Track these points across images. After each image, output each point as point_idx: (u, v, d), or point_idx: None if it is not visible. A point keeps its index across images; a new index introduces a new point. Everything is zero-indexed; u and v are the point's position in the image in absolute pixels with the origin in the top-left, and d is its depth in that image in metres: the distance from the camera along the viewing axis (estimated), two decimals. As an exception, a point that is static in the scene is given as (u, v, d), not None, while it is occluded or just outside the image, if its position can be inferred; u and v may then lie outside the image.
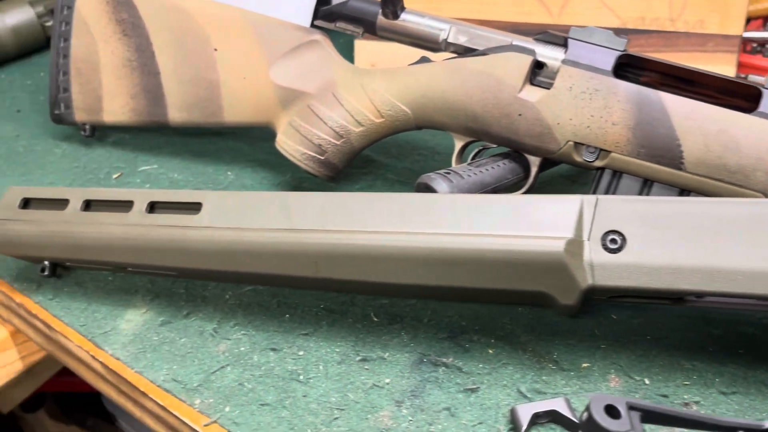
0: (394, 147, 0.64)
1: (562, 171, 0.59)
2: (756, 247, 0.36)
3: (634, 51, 0.48)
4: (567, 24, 0.66)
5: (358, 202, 0.42)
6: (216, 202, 0.44)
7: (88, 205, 0.47)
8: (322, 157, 0.54)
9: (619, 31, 0.65)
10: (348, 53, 0.72)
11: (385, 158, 0.63)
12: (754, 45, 0.70)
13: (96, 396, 1.00)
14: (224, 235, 0.43)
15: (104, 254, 0.46)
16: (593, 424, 0.30)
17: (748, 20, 0.75)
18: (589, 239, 0.38)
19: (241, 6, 0.58)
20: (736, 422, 0.31)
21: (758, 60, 0.68)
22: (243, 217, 0.43)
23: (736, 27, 0.63)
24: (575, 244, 0.38)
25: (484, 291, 0.40)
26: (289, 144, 0.55)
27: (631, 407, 0.30)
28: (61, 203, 0.47)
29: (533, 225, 0.38)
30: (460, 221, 0.39)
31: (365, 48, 0.72)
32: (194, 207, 0.45)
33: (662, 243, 0.37)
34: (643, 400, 0.33)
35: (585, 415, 0.31)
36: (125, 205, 0.46)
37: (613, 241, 0.38)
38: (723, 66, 0.64)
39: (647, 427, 0.32)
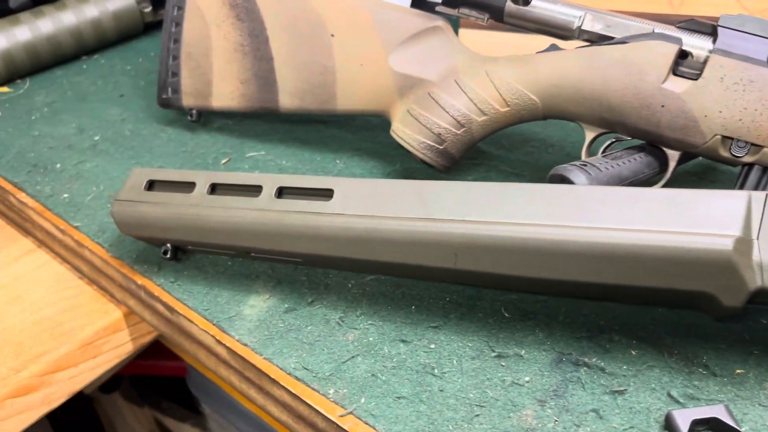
0: (504, 138, 0.62)
1: (689, 167, 0.56)
2: None
3: (791, 40, 0.45)
4: (688, 15, 0.64)
5: (500, 193, 0.40)
6: (348, 189, 0.43)
7: (214, 188, 0.47)
8: (441, 147, 0.53)
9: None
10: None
11: (496, 149, 0.61)
12: None
13: (171, 380, 1.01)
14: (358, 222, 0.42)
15: (231, 238, 0.46)
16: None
17: None
18: (758, 238, 0.36)
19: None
20: None
21: None
22: (377, 204, 0.42)
23: None
24: (744, 243, 0.35)
25: (639, 289, 0.38)
26: (406, 133, 0.54)
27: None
28: (188, 186, 0.47)
29: (698, 221, 0.36)
30: (615, 216, 0.37)
31: (467, 37, 0.71)
32: (325, 193, 0.44)
33: (842, 244, 0.35)
34: None
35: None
36: (253, 190, 0.46)
37: (786, 240, 0.35)
38: None
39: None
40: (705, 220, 0.36)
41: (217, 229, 0.46)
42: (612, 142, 0.51)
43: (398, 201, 0.42)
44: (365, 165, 0.60)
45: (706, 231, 0.36)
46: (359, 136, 0.64)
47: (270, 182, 0.45)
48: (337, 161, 0.61)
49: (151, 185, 0.48)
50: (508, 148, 0.61)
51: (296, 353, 0.43)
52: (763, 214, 0.36)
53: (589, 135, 0.50)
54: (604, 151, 0.51)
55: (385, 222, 0.42)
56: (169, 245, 0.49)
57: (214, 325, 0.46)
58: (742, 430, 0.36)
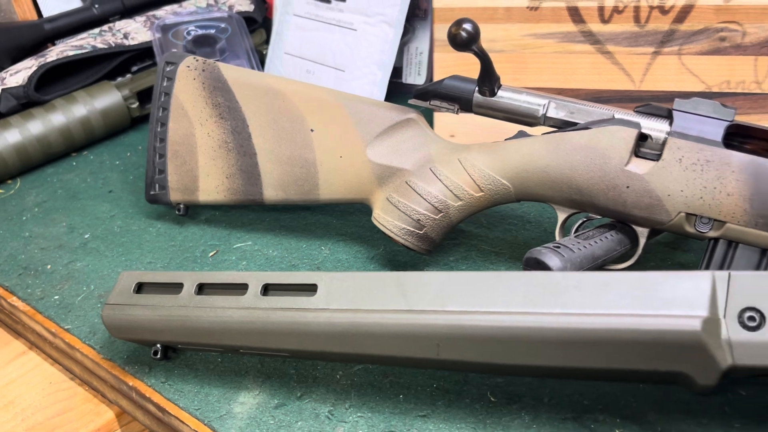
0: (484, 217, 0.64)
1: (663, 238, 0.58)
2: None
3: (743, 121, 0.48)
4: (649, 90, 0.67)
5: (477, 281, 0.42)
6: (331, 284, 0.45)
7: (201, 288, 0.48)
8: (421, 232, 0.55)
9: (704, 96, 0.66)
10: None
11: (475, 228, 0.63)
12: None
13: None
14: (342, 317, 0.43)
15: (220, 337, 0.47)
16: None
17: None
18: (725, 317, 0.37)
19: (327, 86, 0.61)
20: None
21: None
22: (360, 298, 0.44)
23: (826, 87, 0.63)
24: (711, 323, 0.37)
25: (615, 371, 0.39)
26: (387, 219, 0.56)
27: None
28: (176, 287, 0.48)
29: (666, 303, 0.38)
30: (589, 300, 0.39)
31: (444, 119, 0.74)
32: (310, 288, 0.45)
33: (805, 320, 0.36)
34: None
35: None
36: (239, 288, 0.47)
37: (752, 318, 0.37)
38: (815, 126, 0.63)
39: None
40: (673, 301, 0.38)
41: (205, 329, 0.47)
42: (584, 221, 0.53)
43: (380, 293, 0.43)
44: (350, 250, 0.62)
45: (675, 312, 0.37)
46: (344, 221, 0.66)
47: (255, 280, 0.47)
48: (323, 248, 0.62)
49: (140, 288, 0.50)
50: (487, 226, 0.63)
51: (287, 451, 0.43)
52: (727, 293, 0.38)
53: (562, 215, 0.52)
54: (576, 231, 0.53)
55: (367, 315, 0.43)
56: (159, 345, 0.50)
57: (205, 425, 0.46)
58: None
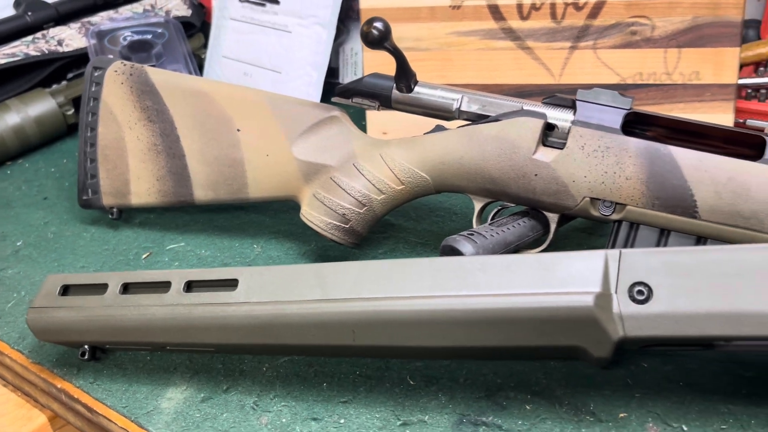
0: (412, 210, 0.66)
1: (579, 224, 0.61)
2: (778, 289, 0.37)
3: (639, 108, 0.50)
4: (569, 83, 0.70)
5: (390, 269, 0.43)
6: (251, 278, 0.46)
7: (126, 288, 0.49)
8: (347, 226, 0.56)
9: (618, 87, 0.69)
10: (360, 122, 0.76)
11: (405, 221, 0.65)
12: (749, 90, 0.73)
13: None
14: (262, 309, 0.45)
15: (144, 335, 0.48)
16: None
17: (741, 67, 0.79)
18: (616, 292, 0.40)
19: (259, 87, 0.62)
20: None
21: (755, 105, 0.71)
22: (279, 290, 0.45)
23: (730, 76, 0.66)
24: (604, 298, 0.39)
25: (520, 348, 0.42)
26: (314, 215, 0.57)
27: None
28: (100, 288, 0.49)
29: (562, 281, 0.40)
30: (491, 282, 0.41)
31: (376, 117, 0.75)
32: (231, 284, 0.46)
33: (687, 291, 0.38)
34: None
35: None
36: (163, 286, 0.48)
37: (640, 292, 0.39)
38: (721, 113, 0.67)
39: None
40: (569, 279, 0.40)
41: (130, 327, 0.48)
42: (499, 210, 0.55)
43: (298, 285, 0.45)
44: (282, 247, 0.63)
45: (570, 290, 0.40)
46: (277, 219, 0.67)
47: (178, 277, 0.48)
48: (255, 246, 0.63)
49: (66, 290, 0.50)
50: (416, 219, 0.65)
51: (212, 442, 0.44)
52: (618, 270, 0.40)
53: (478, 205, 0.54)
54: (492, 218, 0.55)
55: (286, 306, 0.44)
56: (86, 347, 0.50)
57: (132, 421, 0.47)
58: (625, 471, 0.39)
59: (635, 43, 0.67)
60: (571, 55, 0.69)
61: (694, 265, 0.39)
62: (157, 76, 0.63)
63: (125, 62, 0.65)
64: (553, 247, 0.53)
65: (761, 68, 0.78)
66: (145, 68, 0.64)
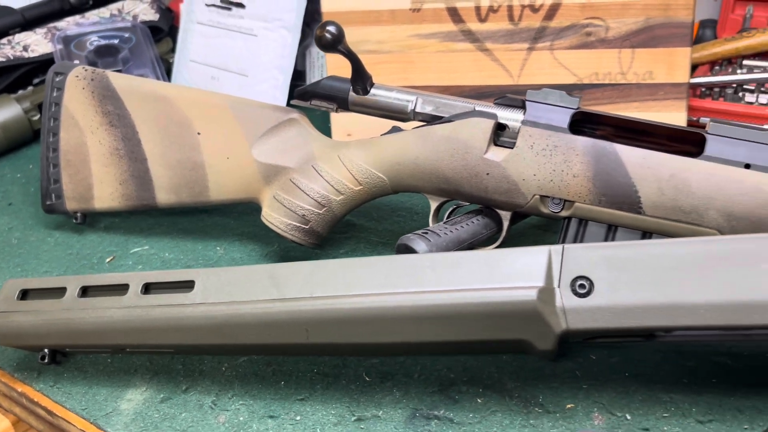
0: (374, 211, 0.67)
1: (536, 222, 0.62)
2: (713, 281, 0.39)
3: (587, 108, 0.52)
4: (527, 84, 0.71)
5: (342, 268, 0.44)
6: (208, 279, 0.47)
7: (85, 291, 0.49)
8: (307, 227, 0.57)
9: (575, 87, 0.70)
10: (325, 124, 0.77)
11: (366, 222, 0.66)
12: (703, 89, 0.75)
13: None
14: (217, 309, 0.45)
15: (103, 338, 0.48)
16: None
17: (696, 66, 0.81)
18: (559, 286, 0.41)
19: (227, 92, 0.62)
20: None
21: (708, 103, 0.73)
22: (234, 291, 0.46)
23: (682, 75, 0.68)
24: (547, 292, 0.40)
25: (468, 343, 0.43)
26: (274, 217, 0.58)
27: (610, 442, 0.32)
28: (59, 292, 0.49)
29: (507, 277, 0.41)
30: (440, 278, 0.42)
31: (340, 119, 0.76)
32: (187, 285, 0.47)
33: (628, 284, 0.40)
34: (621, 435, 0.35)
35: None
36: (121, 289, 0.48)
37: (582, 286, 0.40)
38: (674, 112, 0.68)
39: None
40: (513, 275, 0.41)
41: (88, 330, 0.48)
42: (454, 209, 0.56)
43: (253, 285, 0.45)
44: (245, 249, 0.64)
45: (514, 285, 0.41)
46: (240, 221, 0.68)
47: (136, 279, 0.48)
48: (218, 248, 0.64)
49: (24, 294, 0.50)
50: (377, 219, 0.66)
51: (170, 441, 0.45)
52: (561, 265, 0.41)
53: (434, 204, 0.55)
54: (448, 217, 0.56)
55: (241, 306, 0.45)
56: (46, 350, 0.51)
57: (91, 423, 0.47)
58: (570, 460, 0.40)
59: (590, 43, 0.69)
60: (529, 56, 0.70)
61: (633, 259, 0.40)
62: (118, 80, 0.64)
63: (86, 67, 0.65)
64: (509, 244, 0.54)
65: (717, 67, 0.80)
66: (107, 73, 0.64)
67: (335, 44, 0.51)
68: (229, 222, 0.68)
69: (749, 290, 0.38)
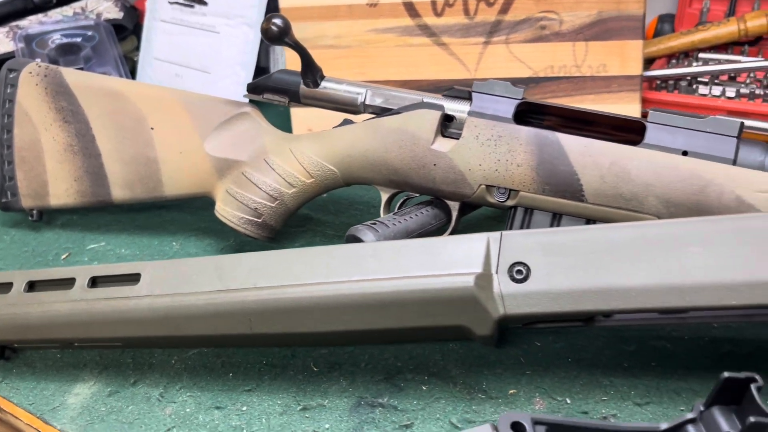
0: (332, 204, 0.67)
1: (489, 212, 0.63)
2: (645, 265, 0.39)
3: (532, 98, 0.52)
4: (484, 77, 0.72)
5: (287, 258, 0.45)
6: (154, 271, 0.47)
7: (32, 286, 0.49)
8: (260, 220, 0.57)
9: (531, 81, 0.71)
10: (286, 119, 0.77)
11: (323, 215, 0.66)
12: (658, 82, 0.76)
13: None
14: (161, 301, 0.45)
15: (49, 332, 0.48)
16: (503, 442, 0.32)
17: (654, 59, 0.82)
18: (497, 272, 0.41)
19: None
20: (634, 427, 0.34)
21: (663, 95, 0.74)
22: (179, 282, 0.46)
23: (634, 68, 0.69)
24: (484, 278, 0.41)
25: (410, 330, 0.43)
26: (227, 210, 0.58)
27: (536, 422, 0.33)
28: (5, 287, 0.49)
29: (447, 264, 0.41)
30: (382, 267, 0.42)
31: (301, 114, 0.77)
32: (133, 278, 0.47)
33: (563, 269, 0.40)
34: (547, 415, 0.36)
35: (496, 434, 0.33)
36: (68, 283, 0.48)
37: (519, 272, 0.41)
38: (628, 104, 0.69)
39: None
40: (453, 262, 0.42)
41: (35, 325, 0.48)
42: (405, 200, 0.57)
43: (199, 277, 0.46)
44: (201, 243, 0.64)
45: (453, 272, 0.41)
46: (197, 216, 0.67)
47: (83, 273, 0.48)
48: (174, 243, 0.64)
49: (-29, 290, 0.50)
50: (334, 213, 0.66)
51: (115, 434, 0.45)
52: (499, 251, 0.42)
53: (384, 195, 0.55)
54: (399, 208, 0.56)
55: (185, 298, 0.45)
56: (-6, 346, 0.51)
57: (37, 418, 0.47)
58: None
59: (545, 37, 0.70)
60: (485, 50, 0.71)
61: (568, 244, 0.41)
62: (72, 77, 0.64)
63: (40, 63, 0.65)
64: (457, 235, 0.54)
65: (673, 60, 0.81)
66: (60, 69, 0.64)
67: (281, 36, 0.52)
68: (186, 217, 0.68)
69: (679, 273, 0.39)
